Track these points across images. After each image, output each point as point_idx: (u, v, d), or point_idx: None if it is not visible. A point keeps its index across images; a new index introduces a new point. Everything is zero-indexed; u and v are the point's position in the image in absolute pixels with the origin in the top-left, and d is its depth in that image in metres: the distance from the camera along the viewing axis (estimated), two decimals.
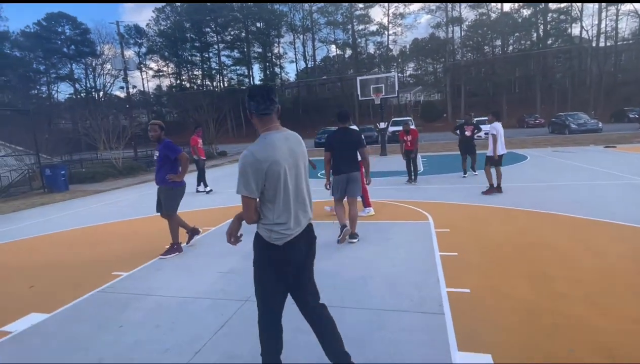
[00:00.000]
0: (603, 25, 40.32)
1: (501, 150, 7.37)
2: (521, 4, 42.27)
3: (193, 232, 5.19)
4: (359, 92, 17.57)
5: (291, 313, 2.28)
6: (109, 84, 55.22)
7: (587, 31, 41.23)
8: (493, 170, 7.48)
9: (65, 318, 3.27)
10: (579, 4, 40.10)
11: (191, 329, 2.89)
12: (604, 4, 38.56)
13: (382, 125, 18.13)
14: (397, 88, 17.72)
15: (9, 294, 3.91)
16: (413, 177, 9.33)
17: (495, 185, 7.41)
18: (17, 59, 48.08)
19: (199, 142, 10.18)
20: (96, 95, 54.31)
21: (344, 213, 4.97)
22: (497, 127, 7.23)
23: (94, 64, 53.67)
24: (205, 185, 10.02)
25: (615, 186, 7.37)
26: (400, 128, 25.19)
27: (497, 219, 5.64)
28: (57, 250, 5.49)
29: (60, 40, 51.85)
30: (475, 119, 24.24)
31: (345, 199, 4.99)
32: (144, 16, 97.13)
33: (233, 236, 2.04)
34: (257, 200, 1.91)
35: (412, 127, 11.84)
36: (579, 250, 4.13)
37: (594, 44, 40.09)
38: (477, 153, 9.94)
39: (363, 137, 4.99)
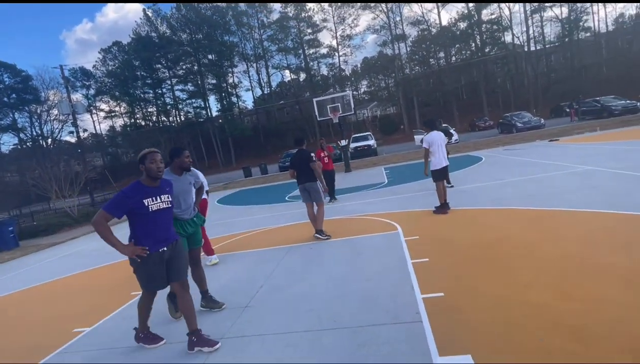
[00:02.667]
0: (531, 31, 44.16)
1: (440, 162, 6.43)
2: (456, 17, 45.64)
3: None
4: (316, 113, 17.89)
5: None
6: (57, 130, 52.53)
7: (518, 38, 44.89)
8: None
9: None
10: (508, 14, 43.88)
11: None
12: (529, 12, 42.41)
13: (344, 142, 18.48)
14: (352, 106, 18.22)
15: None
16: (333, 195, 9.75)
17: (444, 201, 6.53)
18: None
19: None
20: (44, 143, 51.41)
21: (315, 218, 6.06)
22: (429, 139, 6.40)
23: (39, 111, 51.07)
24: None
25: (562, 176, 7.89)
26: (364, 143, 25.05)
27: (461, 220, 5.85)
28: (7, 314, 5.02)
29: None
30: (444, 124, 25.36)
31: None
32: (89, 58, 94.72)
33: None
34: None
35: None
36: (538, 239, 4.35)
37: (525, 49, 43.62)
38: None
39: (313, 155, 6.06)
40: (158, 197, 2.97)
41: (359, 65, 55.61)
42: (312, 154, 6.08)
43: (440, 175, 6.51)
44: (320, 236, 6.00)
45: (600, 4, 43.80)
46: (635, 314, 2.54)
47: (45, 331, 4.13)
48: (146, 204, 2.91)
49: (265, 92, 53.30)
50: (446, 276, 3.72)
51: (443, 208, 6.48)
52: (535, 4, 42.23)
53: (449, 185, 8.59)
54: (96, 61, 53.24)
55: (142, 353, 3.20)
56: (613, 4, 44.66)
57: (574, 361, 2.20)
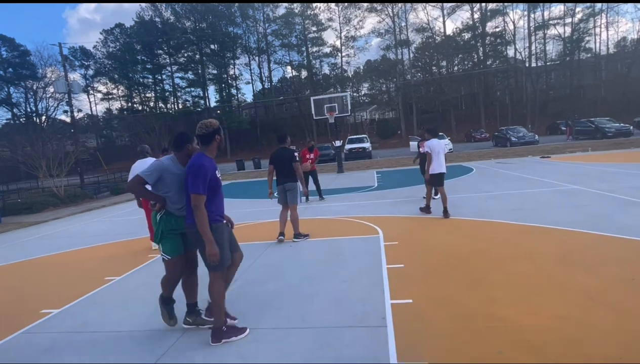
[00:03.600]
0: (533, 47, 44.52)
1: (437, 168, 6.71)
2: (461, 28, 45.84)
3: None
4: (313, 112, 17.88)
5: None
6: (52, 108, 51.99)
7: (520, 53, 45.22)
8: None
9: None
10: (512, 28, 44.20)
11: None
12: (533, 28, 42.75)
13: (338, 143, 18.49)
14: (349, 108, 18.26)
15: None
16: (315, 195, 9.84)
17: (429, 204, 7.01)
18: None
19: None
20: (38, 120, 50.78)
21: (285, 221, 5.95)
22: (430, 145, 6.68)
23: (34, 87, 50.41)
24: None
25: (547, 193, 7.97)
26: (359, 145, 25.20)
27: (442, 229, 5.88)
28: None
29: None
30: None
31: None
32: (90, 38, 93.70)
33: None
34: None
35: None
36: (512, 254, 4.39)
37: (527, 64, 43.96)
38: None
39: (295, 155, 5.87)
40: (218, 171, 2.91)
41: (361, 67, 55.68)
42: (296, 154, 5.93)
43: (435, 180, 6.80)
44: (297, 240, 5.85)
45: (603, 26, 44.27)
46: (595, 335, 2.58)
47: (12, 309, 4.08)
48: (218, 176, 2.85)
49: (266, 87, 53.13)
50: (418, 284, 3.74)
51: (428, 209, 7.05)
52: (539, 21, 42.58)
53: (435, 197, 8.15)
54: (97, 42, 52.69)
55: (105, 338, 3.17)
56: (616, 26, 45.19)
57: None
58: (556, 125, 33.83)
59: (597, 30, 44.41)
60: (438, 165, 6.69)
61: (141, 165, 6.10)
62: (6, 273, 5.78)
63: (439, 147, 6.74)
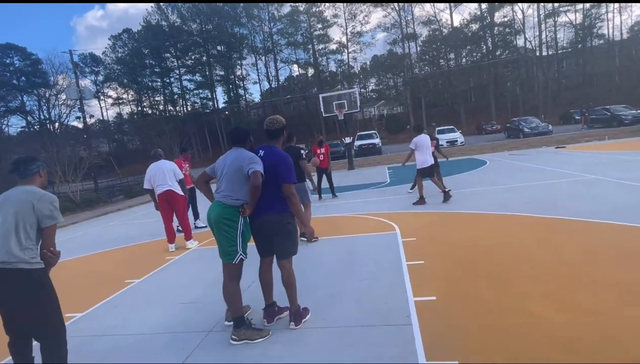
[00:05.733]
0: (544, 36, 43.62)
1: (428, 161, 7.42)
2: (468, 19, 45.13)
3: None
4: (322, 109, 17.81)
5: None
6: (64, 115, 52.90)
7: (530, 42, 44.34)
8: (428, 183, 7.86)
9: None
10: (521, 17, 43.34)
11: None
12: (542, 16, 41.85)
13: (348, 139, 18.41)
14: (359, 104, 18.13)
15: None
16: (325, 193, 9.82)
17: (444, 190, 7.50)
18: None
19: (184, 167, 7.81)
20: (51, 127, 51.73)
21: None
22: (416, 141, 7.40)
23: (47, 95, 51.34)
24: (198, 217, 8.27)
25: (566, 184, 7.78)
26: (368, 141, 25.08)
27: (461, 224, 5.78)
28: None
29: (9, 72, 49.25)
30: (437, 128, 25.34)
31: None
32: (100, 44, 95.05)
33: None
34: None
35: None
36: (537, 248, 4.28)
37: (537, 53, 43.09)
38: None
39: (302, 153, 5.81)
40: None
41: (367, 63, 55.30)
42: (303, 151, 5.85)
43: (425, 172, 7.47)
44: (303, 239, 5.52)
45: (615, 11, 43.12)
46: (629, 328, 2.48)
47: None
48: None
49: (273, 86, 53.17)
50: (440, 280, 3.67)
51: (422, 200, 7.49)
52: (549, 8, 41.66)
53: (410, 190, 9.15)
54: (106, 48, 53.24)
55: (130, 341, 3.18)
56: (630, 10, 44.00)
57: None
58: (569, 115, 33.16)
59: (610, 15, 43.35)
60: (426, 159, 7.39)
61: (155, 168, 6.15)
62: None
63: (426, 141, 7.46)
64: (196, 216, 8.22)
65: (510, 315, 2.84)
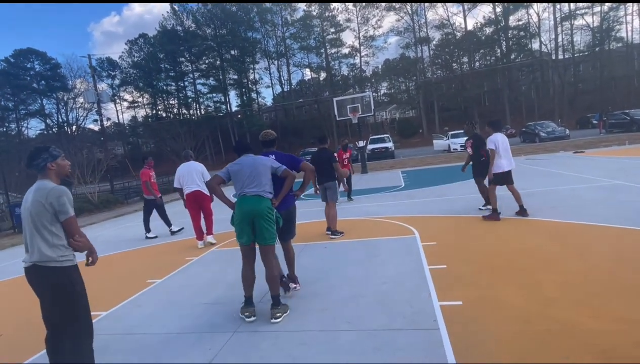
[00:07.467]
0: (560, 39, 42.89)
1: (508, 165, 6.11)
2: (482, 22, 44.72)
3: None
4: (336, 113, 17.86)
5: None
6: (82, 118, 54.18)
7: (545, 45, 43.66)
8: (502, 191, 6.23)
9: None
10: (536, 20, 42.76)
11: None
12: (559, 19, 41.21)
13: (361, 143, 18.38)
14: (372, 107, 18.12)
15: None
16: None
17: (519, 206, 6.14)
18: None
19: (151, 176, 8.23)
20: (69, 130, 53.01)
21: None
22: (494, 139, 5.99)
23: (65, 98, 52.67)
24: (170, 224, 8.43)
25: (587, 189, 7.62)
26: (381, 145, 25.07)
27: (480, 229, 5.70)
28: (26, 295, 5.15)
29: (29, 76, 50.73)
30: (450, 132, 25.06)
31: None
32: (115, 49, 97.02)
33: None
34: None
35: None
36: (562, 253, 4.20)
37: (553, 57, 42.39)
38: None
39: (335, 155, 6.22)
40: None
41: (380, 67, 55.23)
42: (335, 154, 6.16)
43: (501, 179, 6.07)
44: (333, 236, 6.06)
45: (635, 14, 42.21)
46: None
47: None
48: None
49: (285, 90, 53.49)
50: (464, 285, 3.62)
51: (495, 214, 6.04)
52: (566, 11, 41.02)
53: (482, 207, 7.02)
54: (122, 52, 54.46)
55: (155, 340, 3.22)
56: None
57: None
58: (587, 119, 32.48)
59: (629, 18, 42.43)
60: (508, 162, 6.06)
61: (185, 168, 6.45)
62: None
63: (505, 141, 6.05)
64: (169, 223, 8.39)
65: (540, 322, 2.78)
